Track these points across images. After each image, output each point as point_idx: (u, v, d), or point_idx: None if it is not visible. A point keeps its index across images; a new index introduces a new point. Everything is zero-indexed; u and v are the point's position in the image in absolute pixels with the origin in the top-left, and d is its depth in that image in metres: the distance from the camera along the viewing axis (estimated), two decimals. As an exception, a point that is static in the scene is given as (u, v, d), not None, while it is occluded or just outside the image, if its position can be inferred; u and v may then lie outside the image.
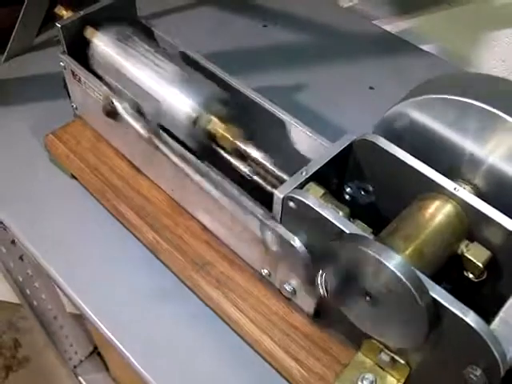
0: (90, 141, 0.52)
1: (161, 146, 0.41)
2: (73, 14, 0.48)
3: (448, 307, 0.30)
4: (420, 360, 0.35)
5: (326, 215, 0.33)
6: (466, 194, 0.34)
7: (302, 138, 0.42)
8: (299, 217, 0.35)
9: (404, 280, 0.30)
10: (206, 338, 0.43)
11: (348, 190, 0.41)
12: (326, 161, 0.37)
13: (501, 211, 0.33)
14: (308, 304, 0.40)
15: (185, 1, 0.73)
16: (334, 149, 0.38)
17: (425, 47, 0.68)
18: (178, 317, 0.44)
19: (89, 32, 0.47)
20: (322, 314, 0.41)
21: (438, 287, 0.30)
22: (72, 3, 0.50)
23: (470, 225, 0.35)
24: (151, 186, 0.48)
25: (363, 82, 0.63)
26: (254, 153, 0.40)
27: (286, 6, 0.73)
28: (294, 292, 0.41)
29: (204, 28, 0.69)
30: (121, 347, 0.43)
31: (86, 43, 0.48)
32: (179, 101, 0.41)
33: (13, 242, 0.82)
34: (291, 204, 0.35)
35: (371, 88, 0.63)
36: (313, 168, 0.37)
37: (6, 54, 0.64)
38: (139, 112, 0.42)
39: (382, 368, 0.37)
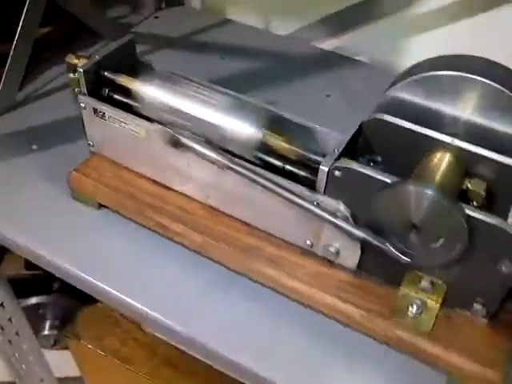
0: (111, 170, 0.57)
1: (233, 165, 0.47)
2: (86, 60, 0.54)
3: (480, 217, 0.40)
4: (456, 273, 0.45)
5: (370, 173, 0.43)
6: (460, 142, 0.45)
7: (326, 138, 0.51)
8: (343, 183, 0.44)
9: (444, 200, 0.40)
10: (270, 313, 0.50)
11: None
12: (348, 139, 0.47)
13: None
14: (351, 260, 0.49)
15: (144, 47, 0.81)
16: (351, 130, 0.47)
17: (357, 57, 0.81)
18: (241, 300, 0.51)
19: (126, 79, 0.53)
20: (362, 267, 0.49)
21: (466, 205, 0.41)
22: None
23: (467, 165, 0.45)
24: (182, 197, 0.55)
25: (319, 92, 0.74)
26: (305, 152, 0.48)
27: (238, 42, 0.83)
28: (338, 253, 0.49)
29: (170, 68, 0.77)
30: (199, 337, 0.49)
31: (102, 84, 0.54)
32: (242, 126, 0.48)
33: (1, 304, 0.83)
34: (337, 173, 0.44)
35: (328, 96, 0.74)
36: (341, 146, 0.46)
37: (-8, 113, 0.68)
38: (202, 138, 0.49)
39: (423, 294, 0.47)
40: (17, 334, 0.88)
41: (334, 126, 0.50)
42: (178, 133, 0.48)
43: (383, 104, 0.49)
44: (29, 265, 1.14)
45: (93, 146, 0.58)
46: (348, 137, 0.47)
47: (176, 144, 0.49)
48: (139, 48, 0.78)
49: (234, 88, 0.71)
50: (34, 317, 1.07)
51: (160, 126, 0.50)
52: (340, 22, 0.80)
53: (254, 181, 0.46)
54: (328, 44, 0.83)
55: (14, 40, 0.68)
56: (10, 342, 0.88)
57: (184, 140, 0.48)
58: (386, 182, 0.42)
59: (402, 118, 0.47)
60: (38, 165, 0.63)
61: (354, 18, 0.78)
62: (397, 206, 0.42)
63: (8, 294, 0.83)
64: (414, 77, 0.47)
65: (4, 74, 0.67)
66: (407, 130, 0.46)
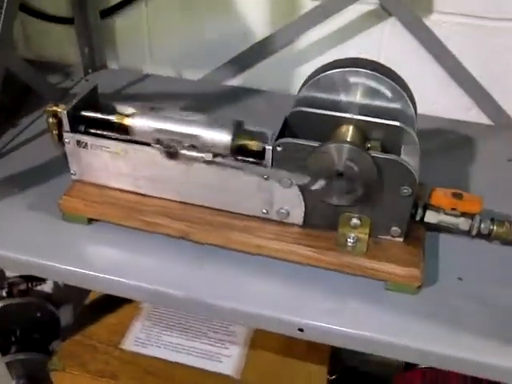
0: (94, 190, 0.70)
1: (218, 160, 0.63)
2: (64, 105, 0.68)
3: (382, 156, 0.59)
4: (373, 207, 0.62)
5: (302, 142, 0.60)
6: (357, 116, 0.64)
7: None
8: (284, 155, 0.61)
9: (357, 148, 0.58)
10: (246, 272, 0.65)
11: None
12: (280, 128, 0.64)
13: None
14: (298, 217, 0.65)
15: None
16: (281, 122, 0.65)
17: (262, 88, 1.01)
18: (221, 266, 0.65)
19: (121, 118, 0.67)
20: (307, 220, 0.66)
21: (374, 152, 0.59)
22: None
23: (365, 131, 0.64)
24: (158, 199, 0.69)
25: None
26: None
27: (156, 90, 1.00)
28: (288, 213, 0.65)
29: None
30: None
31: (78, 122, 0.68)
32: (217, 134, 0.63)
33: None
34: (279, 148, 0.61)
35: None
36: (276, 132, 0.63)
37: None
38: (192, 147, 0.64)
39: (354, 229, 0.64)
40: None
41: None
42: (174, 146, 0.64)
43: (297, 102, 0.67)
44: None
45: (75, 174, 0.71)
46: (279, 127, 0.65)
47: (173, 155, 0.64)
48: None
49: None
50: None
51: (158, 145, 0.65)
52: (241, 62, 0.99)
53: (234, 167, 0.63)
54: (234, 82, 1.02)
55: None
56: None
57: (182, 151, 0.64)
58: (314, 146, 0.60)
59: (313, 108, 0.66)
60: (23, 202, 0.74)
61: (253, 56, 0.98)
62: (325, 162, 0.60)
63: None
64: (313, 79, 0.66)
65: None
66: (318, 115, 0.65)
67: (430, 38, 0.88)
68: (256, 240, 0.65)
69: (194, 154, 0.63)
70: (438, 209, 0.65)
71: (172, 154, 0.64)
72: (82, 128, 0.69)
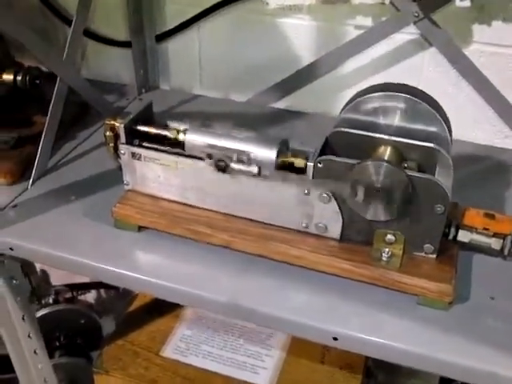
0: (146, 200, 0.75)
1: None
2: (121, 120, 0.74)
3: (417, 175, 0.62)
4: (408, 224, 0.65)
5: (342, 160, 0.64)
6: (395, 138, 0.67)
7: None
8: (325, 172, 0.65)
9: (394, 166, 0.61)
10: (286, 282, 0.69)
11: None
12: (321, 145, 0.68)
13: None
14: (336, 231, 0.69)
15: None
16: (322, 139, 0.69)
17: (306, 111, 1.05)
18: (261, 274, 0.69)
19: (176, 133, 0.72)
20: (345, 235, 0.69)
21: (410, 171, 0.63)
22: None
23: (402, 152, 0.67)
24: (204, 211, 0.73)
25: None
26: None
27: (203, 110, 1.06)
28: (326, 228, 0.69)
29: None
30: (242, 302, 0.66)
31: (133, 136, 0.74)
32: (264, 150, 0.68)
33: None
34: (319, 165, 0.65)
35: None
36: (318, 149, 0.67)
37: (32, 177, 0.84)
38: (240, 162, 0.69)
39: (389, 245, 0.67)
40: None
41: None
42: (224, 161, 0.69)
43: (338, 123, 0.71)
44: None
45: (128, 184, 0.76)
46: (320, 145, 0.69)
47: (223, 168, 0.69)
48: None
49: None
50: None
51: (211, 159, 0.70)
52: (287, 86, 1.05)
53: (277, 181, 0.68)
54: (279, 104, 1.07)
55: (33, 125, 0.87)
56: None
57: (232, 165, 0.68)
58: (353, 164, 0.64)
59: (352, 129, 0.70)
60: (78, 210, 0.80)
61: (298, 80, 1.03)
62: (363, 179, 0.63)
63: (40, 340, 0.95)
64: (354, 101, 0.70)
65: (40, 146, 0.85)
66: (358, 135, 0.68)
67: (469, 67, 0.91)
68: (295, 251, 0.69)
69: (243, 167, 0.68)
70: (470, 228, 0.67)
71: (222, 168, 0.69)
72: (137, 141, 0.74)
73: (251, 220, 0.72)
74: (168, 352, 1.00)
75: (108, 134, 0.74)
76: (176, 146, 0.73)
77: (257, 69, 1.06)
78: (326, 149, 0.70)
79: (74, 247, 0.74)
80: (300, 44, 1.01)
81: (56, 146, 0.92)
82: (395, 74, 0.98)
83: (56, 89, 0.85)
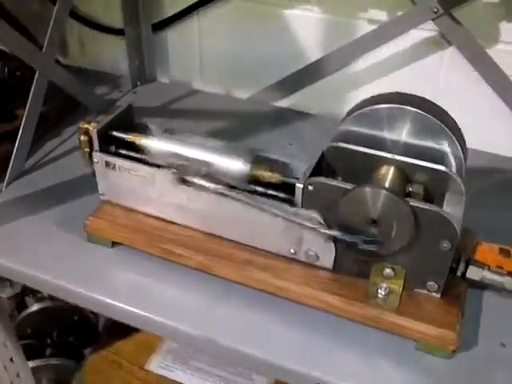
0: (121, 213, 0.68)
1: (228, 193, 0.60)
2: (96, 123, 0.66)
3: (422, 206, 0.53)
4: (409, 258, 0.57)
5: (335, 183, 0.56)
6: (399, 157, 0.59)
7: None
8: (315, 195, 0.57)
9: (394, 196, 0.53)
10: (266, 314, 0.61)
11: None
12: (314, 163, 0.60)
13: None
14: (328, 261, 0.61)
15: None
16: (316, 156, 0.61)
17: (310, 111, 0.97)
18: (240, 305, 0.62)
19: (135, 137, 0.65)
20: (337, 265, 0.61)
21: (411, 199, 0.54)
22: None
23: (407, 173, 0.59)
24: (183, 228, 0.66)
25: (282, 142, 0.89)
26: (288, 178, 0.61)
27: (203, 108, 0.98)
28: (317, 256, 0.61)
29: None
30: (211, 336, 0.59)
31: (109, 142, 0.66)
32: (233, 162, 0.61)
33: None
34: (310, 187, 0.57)
35: (290, 144, 0.88)
36: (309, 169, 0.59)
37: (6, 180, 0.78)
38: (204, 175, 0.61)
39: (387, 280, 0.59)
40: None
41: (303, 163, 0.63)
42: (185, 172, 0.61)
43: (337, 135, 0.63)
44: (19, 335, 1.20)
45: (103, 195, 0.69)
46: (313, 162, 0.60)
47: (183, 181, 0.61)
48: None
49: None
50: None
51: (170, 169, 0.62)
52: (291, 84, 0.96)
53: (248, 204, 0.58)
54: (283, 103, 0.99)
55: (16, 120, 0.81)
56: None
57: (189, 178, 0.60)
58: (347, 189, 0.55)
59: (353, 144, 0.61)
60: (51, 219, 0.73)
61: (304, 78, 0.94)
62: (358, 207, 0.55)
63: (17, 348, 0.90)
64: (357, 112, 0.62)
65: (16, 146, 0.78)
66: (358, 152, 0.60)
67: (493, 70, 0.81)
68: (279, 281, 0.61)
69: (203, 182, 0.60)
70: (482, 265, 0.58)
71: (182, 180, 0.61)
72: (113, 148, 0.67)
73: (233, 241, 0.65)
74: (153, 366, 0.94)
75: (82, 138, 0.67)
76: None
77: (260, 63, 0.97)
78: (322, 165, 0.61)
79: (38, 261, 0.67)
80: (307, 38, 0.92)
81: (37, 145, 0.86)
82: (410, 75, 0.88)
83: (34, 83, 0.78)
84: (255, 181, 0.61)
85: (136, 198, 0.67)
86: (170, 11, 0.98)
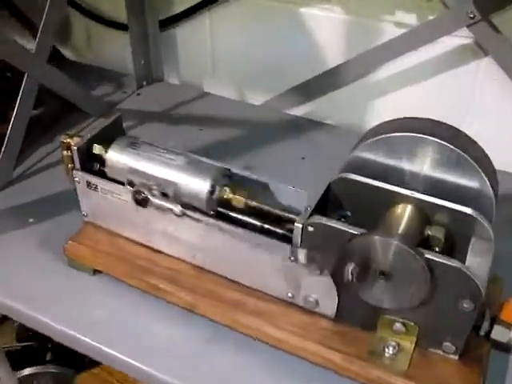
0: (104, 238, 0.62)
1: (191, 213, 0.53)
2: (79, 138, 0.60)
3: (439, 260, 0.45)
4: (424, 314, 0.49)
5: (339, 226, 0.48)
6: (418, 194, 0.50)
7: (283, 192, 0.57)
8: (316, 237, 0.49)
9: (407, 248, 0.44)
10: (255, 364, 0.53)
11: (330, 219, 0.56)
12: (319, 198, 0.52)
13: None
14: (330, 308, 0.53)
15: (128, 123, 0.87)
16: (320, 189, 0.53)
17: (326, 121, 0.88)
18: (225, 353, 0.54)
19: (99, 148, 0.58)
20: (340, 314, 0.53)
21: (426, 250, 0.46)
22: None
23: (427, 214, 0.50)
24: (171, 259, 0.59)
25: (294, 156, 0.80)
26: (263, 205, 0.53)
27: (212, 113, 0.90)
28: (317, 302, 0.53)
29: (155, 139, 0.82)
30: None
31: (93, 159, 0.60)
32: (195, 181, 0.54)
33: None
34: (310, 228, 0.49)
35: (303, 158, 0.80)
36: (312, 205, 0.51)
37: (-10, 190, 0.72)
38: (164, 195, 0.54)
39: (397, 336, 0.51)
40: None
41: (311, 184, 0.55)
42: (139, 190, 0.54)
43: (348, 164, 0.54)
44: (20, 337, 1.16)
45: (86, 215, 0.63)
46: (318, 196, 0.52)
47: (142, 202, 0.54)
48: (124, 124, 0.85)
49: (212, 156, 0.77)
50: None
51: (126, 187, 0.55)
52: (307, 90, 0.87)
53: (211, 231, 0.52)
54: (298, 111, 0.90)
55: (7, 122, 0.74)
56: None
57: (148, 196, 0.54)
58: (353, 234, 0.47)
59: (365, 175, 0.53)
60: (35, 236, 0.67)
61: (322, 85, 0.86)
62: (365, 255, 0.47)
63: (5, 367, 0.85)
64: (372, 139, 0.53)
65: (1, 154, 0.72)
66: (370, 186, 0.52)
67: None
68: (273, 330, 0.53)
69: (164, 203, 0.53)
70: (509, 325, 0.50)
71: (140, 201, 0.54)
72: (97, 166, 0.60)
73: (224, 278, 0.57)
74: (147, 389, 0.88)
75: (65, 153, 0.60)
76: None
77: (275, 66, 0.89)
78: (329, 195, 0.53)
79: (12, 286, 0.61)
80: (326, 41, 0.83)
81: (28, 150, 0.79)
82: (440, 87, 0.79)
83: (23, 86, 0.72)
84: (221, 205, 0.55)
85: (120, 222, 0.61)
86: (179, 7, 0.90)
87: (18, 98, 0.72)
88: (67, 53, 1.07)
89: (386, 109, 0.83)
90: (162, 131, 0.86)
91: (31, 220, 0.69)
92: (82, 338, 0.57)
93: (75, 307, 0.59)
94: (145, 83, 0.96)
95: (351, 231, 0.47)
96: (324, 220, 0.49)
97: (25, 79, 0.72)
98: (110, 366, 0.57)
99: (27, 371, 1.11)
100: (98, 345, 0.56)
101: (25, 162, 0.78)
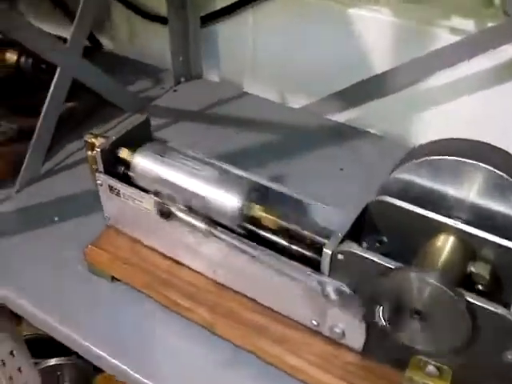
0: (126, 245, 0.59)
1: (216, 232, 0.49)
2: (103, 139, 0.57)
3: (482, 305, 0.40)
4: (461, 359, 0.44)
5: (373, 258, 0.43)
6: (463, 225, 0.46)
7: (317, 212, 0.53)
8: (347, 266, 0.45)
9: (445, 288, 0.40)
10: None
11: (364, 244, 0.52)
12: (353, 221, 0.48)
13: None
14: (357, 341, 0.49)
15: (161, 121, 0.84)
16: (356, 211, 0.48)
17: (369, 130, 0.83)
18: (242, 380, 0.51)
19: (126, 152, 0.56)
20: (368, 348, 0.49)
21: (469, 293, 0.41)
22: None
23: (471, 248, 0.46)
24: (193, 273, 0.56)
25: (332, 166, 0.76)
26: (293, 226, 0.50)
27: (250, 115, 0.86)
28: (343, 334, 0.49)
29: (185, 141, 0.79)
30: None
31: (117, 163, 0.57)
32: (223, 195, 0.51)
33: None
34: (340, 256, 0.45)
35: (341, 169, 0.75)
36: (345, 229, 0.47)
37: (17, 185, 0.71)
38: (190, 209, 0.51)
39: (429, 379, 0.46)
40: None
41: (348, 200, 0.51)
42: (165, 202, 0.51)
43: (387, 185, 0.50)
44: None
45: (109, 219, 0.60)
46: (353, 217, 0.48)
47: (165, 214, 0.51)
48: (157, 121, 0.82)
49: (246, 162, 0.73)
50: (51, 378, 1.08)
51: (150, 196, 0.52)
52: (351, 96, 0.82)
53: (236, 250, 0.48)
54: (340, 117, 0.85)
55: (38, 115, 0.73)
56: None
57: (172, 209, 0.50)
58: (388, 267, 0.43)
59: (406, 199, 0.48)
60: (59, 236, 0.65)
61: (365, 92, 0.81)
62: (400, 291, 0.43)
63: (26, 357, 0.85)
64: (417, 160, 0.48)
65: (30, 148, 0.70)
66: (410, 211, 0.47)
67: None
68: (293, 359, 0.49)
69: (188, 218, 0.50)
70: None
71: (163, 213, 0.51)
72: (122, 169, 0.57)
73: (246, 297, 0.54)
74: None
75: (89, 153, 0.58)
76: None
77: (318, 68, 0.84)
78: (365, 217, 0.49)
79: (26, 285, 0.60)
80: (373, 45, 0.78)
81: (58, 146, 0.78)
82: (496, 100, 0.73)
83: (55, 79, 0.70)
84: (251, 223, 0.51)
85: (141, 230, 0.58)
86: (221, 3, 0.87)
87: (50, 91, 0.70)
88: (108, 44, 1.05)
89: (434, 121, 0.78)
90: (196, 131, 0.82)
91: (56, 219, 0.68)
92: (90, 346, 0.54)
93: (88, 314, 0.57)
94: (183, 80, 0.93)
95: (385, 264, 0.43)
96: (355, 248, 0.44)
97: (57, 72, 0.69)
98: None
99: (52, 362, 1.10)
100: (104, 354, 0.54)
101: (54, 157, 0.76)
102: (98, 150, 0.55)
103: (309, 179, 0.72)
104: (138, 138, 0.58)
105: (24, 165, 0.70)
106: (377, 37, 0.77)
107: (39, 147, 0.71)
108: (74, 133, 0.80)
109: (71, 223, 0.67)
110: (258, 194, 0.52)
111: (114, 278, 0.59)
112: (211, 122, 0.84)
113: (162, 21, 0.93)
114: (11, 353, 0.82)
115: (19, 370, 0.84)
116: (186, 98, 0.90)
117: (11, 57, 0.76)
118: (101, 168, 0.56)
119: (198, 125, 0.84)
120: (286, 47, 0.86)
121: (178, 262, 0.57)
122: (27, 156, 0.70)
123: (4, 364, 0.81)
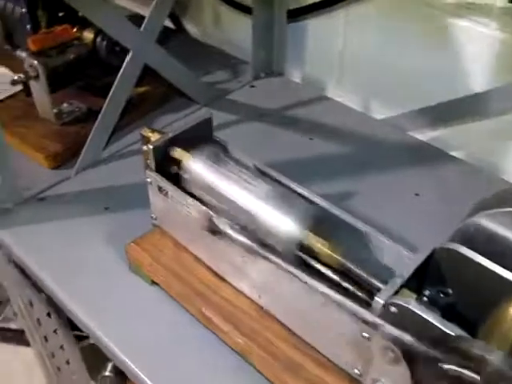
0: (171, 249, 0.55)
1: (266, 254, 0.45)
2: (160, 135, 0.54)
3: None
4: None
5: (429, 319, 0.37)
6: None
7: (381, 246, 0.47)
8: (398, 320, 0.39)
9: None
10: None
11: (427, 292, 0.45)
12: (414, 268, 0.41)
13: None
14: (402, 402, 0.43)
15: (233, 117, 0.80)
16: (420, 256, 0.42)
17: (453, 153, 0.74)
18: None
19: (179, 153, 0.52)
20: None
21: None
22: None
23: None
24: (235, 292, 0.52)
25: (407, 189, 0.69)
26: (347, 262, 0.44)
27: (328, 121, 0.80)
28: (386, 391, 0.43)
29: (254, 141, 0.75)
30: None
31: (171, 161, 0.54)
32: (276, 217, 0.46)
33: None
34: (392, 309, 0.39)
35: (417, 194, 0.68)
36: (405, 275, 0.41)
37: (76, 167, 0.69)
38: (238, 225, 0.47)
39: None
40: (67, 362, 0.89)
41: (418, 235, 0.44)
42: (213, 215, 0.47)
43: (462, 231, 0.43)
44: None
45: (155, 219, 0.57)
46: (417, 262, 0.42)
47: (211, 228, 0.47)
48: (226, 117, 0.78)
49: (315, 174, 0.68)
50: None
51: (198, 206, 0.48)
52: (442, 114, 0.74)
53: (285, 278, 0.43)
54: (424, 135, 0.77)
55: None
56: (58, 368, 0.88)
57: (218, 223, 0.46)
58: (446, 333, 0.36)
59: (481, 251, 0.41)
60: (106, 227, 0.63)
61: (458, 111, 0.72)
62: (458, 361, 0.36)
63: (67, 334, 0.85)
64: (499, 209, 0.41)
65: (92, 131, 0.68)
66: (484, 267, 0.40)
67: None
68: (326, 410, 0.44)
69: (237, 237, 0.45)
70: None
71: (211, 228, 0.47)
72: (175, 169, 0.54)
73: (287, 329, 0.49)
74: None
75: (145, 148, 0.55)
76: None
77: (409, 79, 0.76)
78: (431, 264, 0.43)
79: (65, 281, 0.58)
80: (476, 60, 0.70)
81: (123, 132, 0.75)
82: None
83: (125, 63, 0.67)
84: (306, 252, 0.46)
85: (186, 236, 0.54)
86: (312, -2, 0.81)
87: (119, 74, 0.67)
88: (191, 29, 1.02)
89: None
90: (266, 133, 0.78)
91: (106, 207, 0.65)
92: (116, 349, 0.52)
93: (124, 318, 0.54)
94: (263, 75, 0.88)
95: (447, 330, 0.36)
96: (412, 305, 0.38)
97: (128, 56, 0.67)
98: None
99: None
100: (128, 361, 0.51)
101: (118, 142, 0.74)
102: (151, 146, 0.52)
103: (379, 202, 0.66)
104: (198, 137, 0.54)
105: (85, 147, 0.69)
106: (480, 52, 0.68)
107: (102, 131, 0.69)
108: (141, 120, 0.77)
109: (121, 215, 0.65)
110: (316, 218, 0.47)
111: (153, 282, 0.56)
112: (284, 125, 0.79)
113: (247, 10, 0.89)
114: (48, 314, 0.81)
115: (55, 331, 0.83)
116: (262, 96, 0.85)
117: (88, 36, 0.74)
118: (152, 166, 0.53)
119: (269, 126, 0.79)
120: (377, 52, 0.79)
121: (221, 278, 0.53)
122: (89, 138, 0.69)
123: (40, 324, 0.80)
